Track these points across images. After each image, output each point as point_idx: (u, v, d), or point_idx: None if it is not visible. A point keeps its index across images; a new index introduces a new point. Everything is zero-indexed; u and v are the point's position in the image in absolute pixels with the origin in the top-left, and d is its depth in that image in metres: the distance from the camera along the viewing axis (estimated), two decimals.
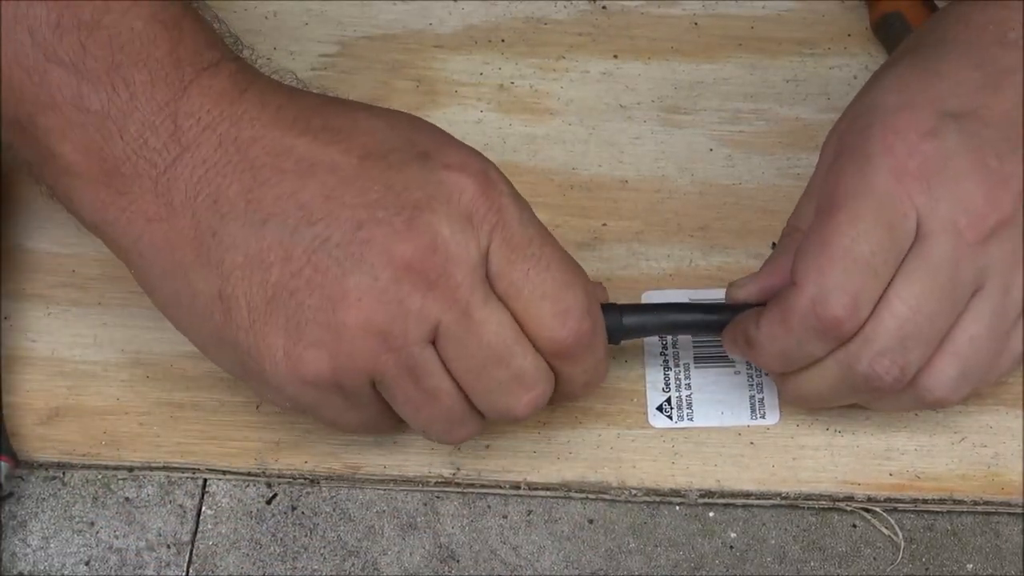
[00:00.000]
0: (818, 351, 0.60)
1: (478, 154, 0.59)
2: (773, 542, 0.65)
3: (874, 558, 0.65)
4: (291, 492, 0.66)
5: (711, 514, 0.66)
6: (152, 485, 0.67)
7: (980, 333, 0.60)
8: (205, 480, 0.67)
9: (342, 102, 0.61)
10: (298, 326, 0.57)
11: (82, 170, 0.58)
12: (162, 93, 0.57)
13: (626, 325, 0.63)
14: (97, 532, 0.66)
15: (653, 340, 0.69)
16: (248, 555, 0.65)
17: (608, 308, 0.63)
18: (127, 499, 0.66)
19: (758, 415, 0.67)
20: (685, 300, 0.68)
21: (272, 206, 0.57)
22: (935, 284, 0.59)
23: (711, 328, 0.64)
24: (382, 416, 0.61)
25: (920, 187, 0.58)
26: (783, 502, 0.66)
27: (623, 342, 0.64)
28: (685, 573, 0.65)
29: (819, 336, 0.60)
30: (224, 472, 0.67)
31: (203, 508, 0.66)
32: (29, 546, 0.65)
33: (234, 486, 0.67)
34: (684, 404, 0.67)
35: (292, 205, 0.57)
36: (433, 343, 0.58)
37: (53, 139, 0.58)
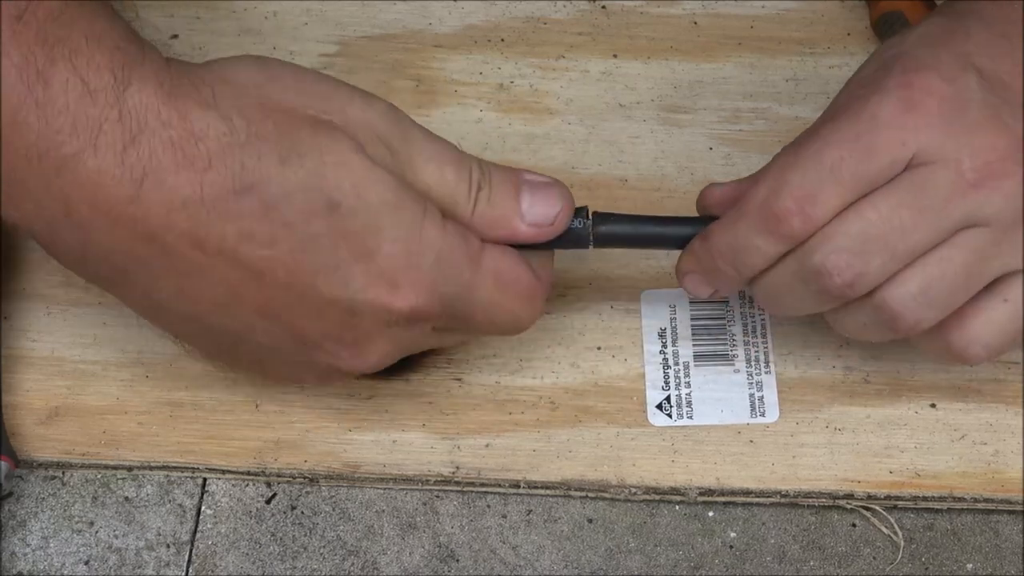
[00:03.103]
0: (766, 248, 0.60)
1: (404, 257, 0.58)
2: (773, 542, 0.65)
3: (874, 557, 0.65)
4: (290, 491, 0.66)
5: (711, 514, 0.66)
6: (151, 484, 0.67)
7: (954, 259, 0.59)
8: (204, 479, 0.67)
9: (248, 182, 0.56)
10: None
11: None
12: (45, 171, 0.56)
13: (598, 232, 0.62)
14: (97, 532, 0.66)
15: (653, 340, 0.69)
16: (248, 554, 0.65)
17: (579, 210, 0.62)
18: (127, 499, 0.66)
19: (758, 413, 0.67)
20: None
21: (214, 316, 0.58)
22: (917, 204, 0.58)
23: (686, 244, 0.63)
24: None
25: (930, 123, 0.58)
26: (783, 500, 0.66)
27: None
28: (685, 573, 0.65)
29: (766, 229, 0.59)
30: (223, 471, 0.67)
31: (202, 507, 0.66)
32: (29, 546, 0.65)
33: (233, 485, 0.67)
34: (684, 402, 0.67)
35: (233, 322, 0.59)
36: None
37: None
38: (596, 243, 0.62)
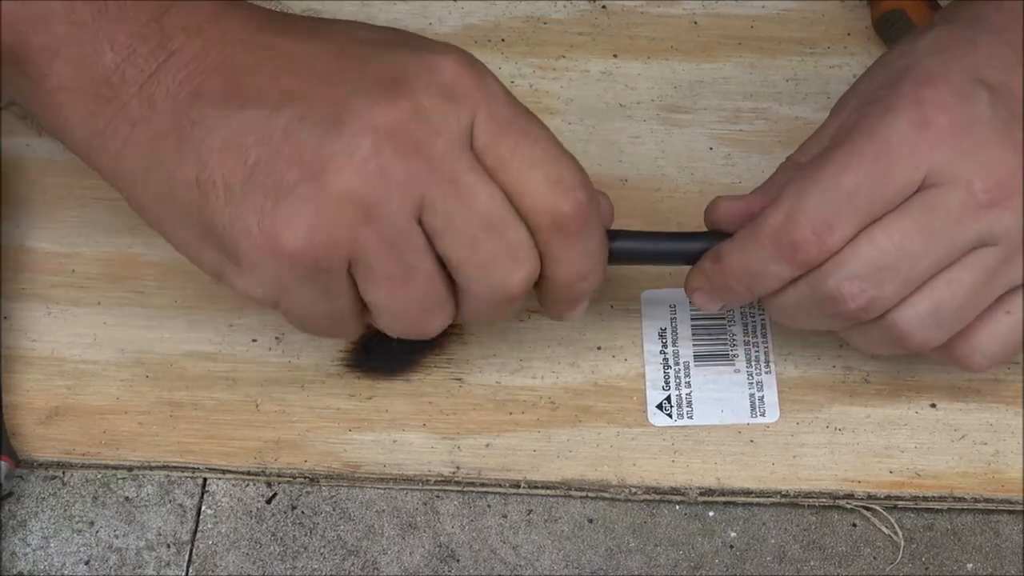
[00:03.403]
0: (781, 272, 0.60)
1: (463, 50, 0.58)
2: (773, 542, 0.65)
3: (874, 557, 0.65)
4: (291, 491, 0.66)
5: (711, 513, 0.66)
6: (152, 484, 0.67)
7: (963, 280, 0.59)
8: (205, 479, 0.67)
9: (333, 20, 0.60)
10: (275, 200, 0.55)
11: (73, 83, 0.58)
12: (149, 7, 0.58)
13: (614, 249, 0.62)
14: (97, 531, 0.66)
15: (653, 340, 0.69)
16: (248, 554, 0.65)
17: None
18: (127, 498, 0.66)
19: (758, 413, 0.67)
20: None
21: (250, 93, 0.57)
22: (929, 228, 0.58)
23: (697, 260, 0.63)
24: (351, 312, 0.59)
25: (941, 142, 0.58)
26: (783, 500, 0.66)
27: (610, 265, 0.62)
28: (685, 573, 0.65)
29: (782, 255, 0.59)
30: (224, 471, 0.67)
31: (203, 507, 0.66)
32: (29, 545, 0.65)
33: (234, 485, 0.67)
34: (684, 402, 0.67)
35: (270, 91, 0.57)
36: (419, 221, 0.57)
37: (46, 57, 0.58)
38: (608, 261, 0.62)
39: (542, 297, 0.60)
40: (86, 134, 0.59)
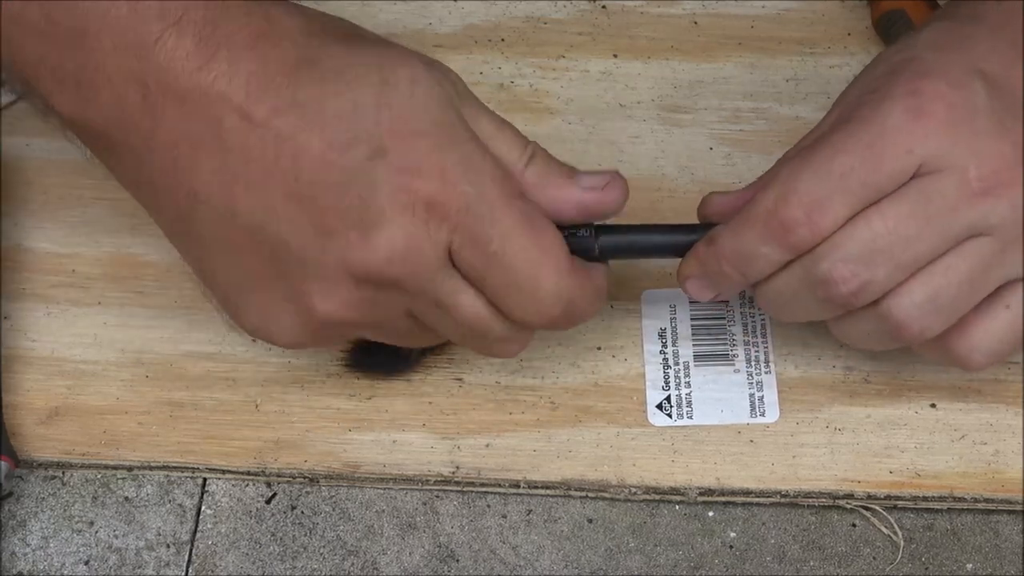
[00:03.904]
0: (773, 255, 0.60)
1: (438, 143, 0.58)
2: (773, 542, 0.65)
3: (874, 557, 0.65)
4: (290, 491, 0.66)
5: (711, 513, 0.66)
6: (151, 484, 0.67)
7: (959, 268, 0.59)
8: (204, 479, 0.67)
9: (314, 65, 0.59)
10: (267, 309, 0.60)
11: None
12: (127, 57, 0.58)
13: (601, 247, 0.62)
14: (97, 532, 0.66)
15: (653, 340, 0.69)
16: (248, 554, 0.65)
17: (579, 230, 0.62)
18: (127, 499, 0.66)
19: (758, 413, 0.67)
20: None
21: (243, 199, 0.58)
22: (924, 213, 0.58)
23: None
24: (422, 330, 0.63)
25: (937, 131, 0.58)
26: (783, 500, 0.66)
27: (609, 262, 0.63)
28: (685, 573, 0.65)
29: (774, 236, 0.59)
30: (223, 471, 0.67)
31: (202, 507, 0.66)
32: (29, 546, 0.65)
33: (233, 485, 0.67)
34: (684, 402, 0.67)
35: (261, 204, 0.58)
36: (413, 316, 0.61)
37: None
38: (601, 255, 0.62)
39: None
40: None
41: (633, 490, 0.66)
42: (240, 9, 0.58)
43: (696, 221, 0.64)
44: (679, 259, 0.64)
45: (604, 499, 0.66)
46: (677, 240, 0.63)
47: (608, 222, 0.62)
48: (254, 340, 0.67)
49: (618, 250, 0.63)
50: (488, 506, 0.66)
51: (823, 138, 0.60)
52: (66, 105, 0.59)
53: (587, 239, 0.62)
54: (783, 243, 0.59)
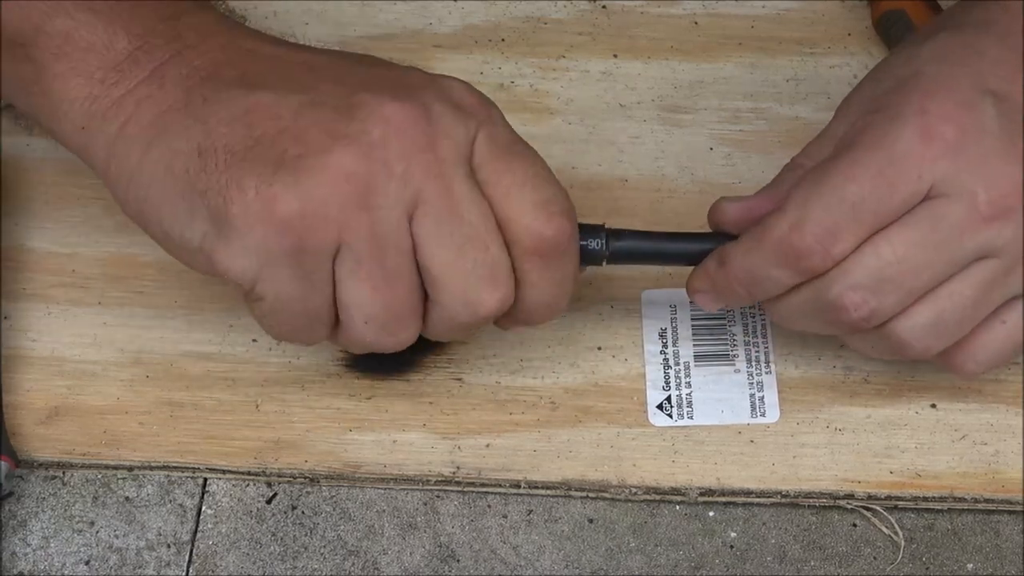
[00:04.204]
0: (784, 279, 0.60)
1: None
2: (773, 542, 0.65)
3: (874, 557, 0.65)
4: (291, 491, 0.66)
5: (711, 513, 0.66)
6: (152, 485, 0.67)
7: (964, 292, 0.59)
8: (205, 479, 0.67)
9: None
10: (276, 168, 0.56)
11: (80, 67, 0.59)
12: (162, 9, 0.60)
13: (613, 249, 0.62)
14: (97, 532, 0.66)
15: (653, 340, 0.69)
16: (248, 555, 0.65)
17: (595, 229, 0.62)
18: (127, 499, 0.66)
19: (758, 413, 0.67)
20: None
21: (266, 80, 0.58)
22: (931, 240, 0.58)
23: (699, 261, 0.63)
24: (325, 311, 0.59)
25: (946, 153, 0.58)
26: (783, 500, 0.66)
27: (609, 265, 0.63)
28: (685, 573, 0.65)
29: (786, 262, 0.59)
30: (224, 471, 0.67)
31: (203, 507, 0.66)
32: (29, 546, 0.65)
33: (234, 485, 0.67)
34: (684, 402, 0.67)
35: (287, 80, 0.58)
36: (409, 222, 0.57)
37: (57, 40, 0.59)
38: (610, 260, 0.63)
39: (511, 316, 0.61)
40: (83, 118, 0.60)
41: (634, 490, 0.66)
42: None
43: (699, 221, 0.64)
44: (688, 266, 0.64)
45: (605, 499, 0.66)
46: (689, 249, 0.63)
47: (617, 226, 0.63)
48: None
49: (628, 255, 0.63)
50: (489, 506, 0.66)
51: (834, 162, 0.60)
52: (82, 47, 0.60)
53: (599, 249, 0.62)
54: (795, 269, 0.60)
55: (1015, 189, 0.58)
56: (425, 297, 0.59)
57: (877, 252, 0.59)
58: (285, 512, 0.66)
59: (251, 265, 0.57)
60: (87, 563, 0.65)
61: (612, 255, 0.62)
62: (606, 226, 0.63)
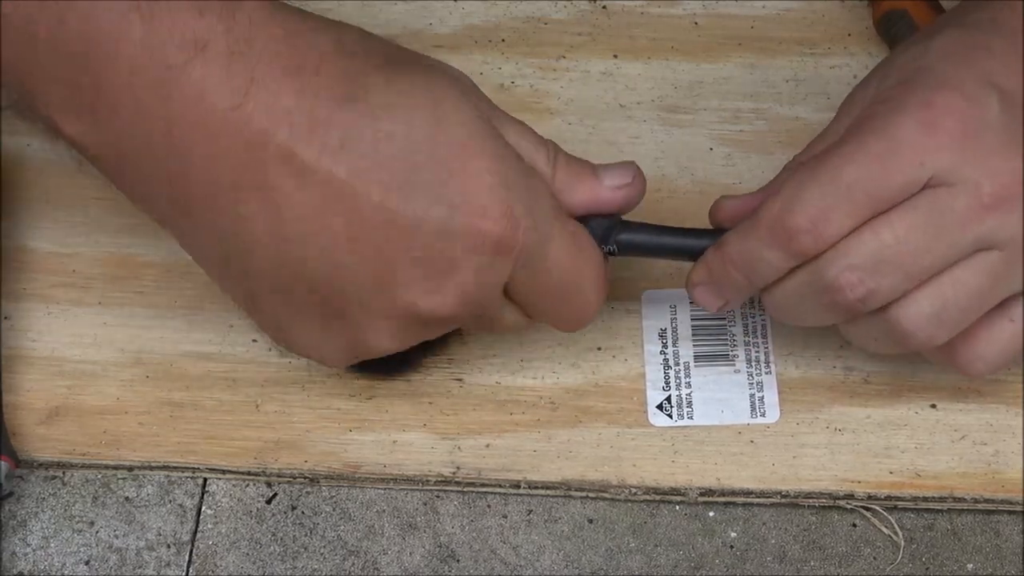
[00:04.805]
0: (777, 261, 0.60)
1: (499, 178, 0.58)
2: (773, 542, 0.65)
3: (874, 558, 0.65)
4: (291, 491, 0.66)
5: (711, 513, 0.66)
6: (152, 485, 0.67)
7: (968, 282, 0.59)
8: (205, 480, 0.67)
9: (362, 91, 0.57)
10: (322, 335, 0.61)
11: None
12: (146, 87, 0.55)
13: (621, 240, 0.63)
14: (97, 532, 0.66)
15: (653, 340, 0.69)
16: (248, 555, 0.65)
17: (603, 220, 0.62)
18: (127, 499, 0.66)
19: (758, 413, 0.67)
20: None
21: (295, 248, 0.57)
22: (932, 224, 0.58)
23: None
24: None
25: (950, 145, 0.58)
26: (783, 500, 0.66)
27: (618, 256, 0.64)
28: (685, 573, 0.65)
29: (777, 243, 0.59)
30: (224, 472, 0.67)
31: (203, 508, 0.66)
32: (29, 546, 0.65)
33: (234, 485, 0.67)
34: (684, 403, 0.67)
35: (315, 254, 0.57)
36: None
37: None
38: (616, 251, 0.63)
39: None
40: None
41: (633, 490, 0.66)
42: (267, 31, 0.55)
43: (699, 221, 0.64)
44: (685, 262, 0.64)
45: (604, 499, 0.66)
46: (693, 243, 0.63)
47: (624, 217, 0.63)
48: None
49: (634, 247, 0.63)
50: (488, 506, 0.66)
51: (833, 147, 0.60)
52: (76, 130, 0.56)
53: (606, 232, 0.63)
54: (787, 249, 0.59)
55: (1016, 181, 0.58)
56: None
57: (876, 234, 0.58)
58: (285, 512, 0.66)
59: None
60: (87, 563, 0.65)
61: (619, 246, 0.63)
62: (618, 217, 0.63)
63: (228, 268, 0.59)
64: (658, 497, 0.66)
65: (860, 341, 0.63)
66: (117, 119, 0.55)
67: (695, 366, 0.68)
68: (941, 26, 0.63)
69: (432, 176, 0.57)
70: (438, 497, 0.66)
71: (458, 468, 0.66)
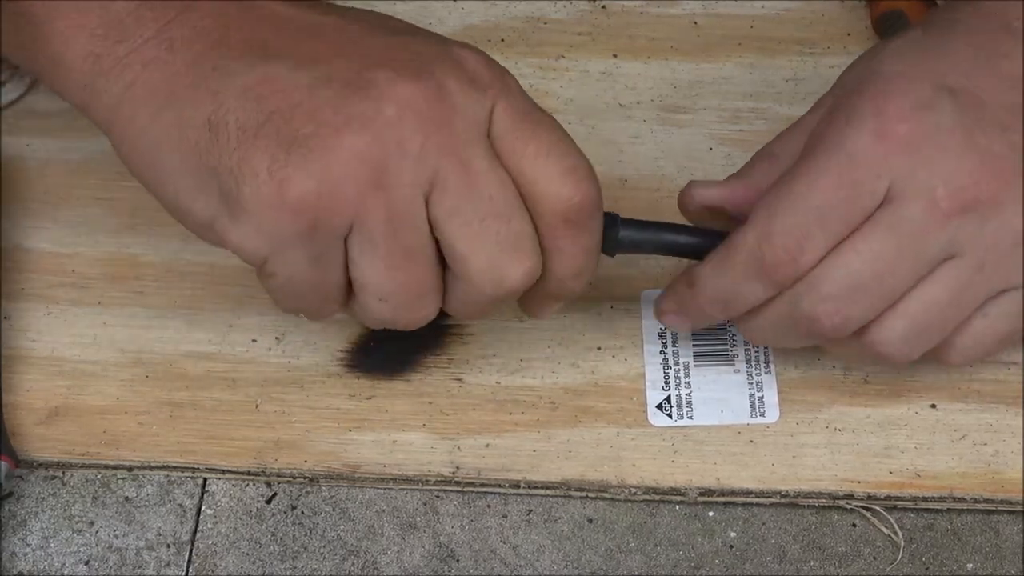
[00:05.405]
0: (755, 293, 0.60)
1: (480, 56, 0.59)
2: (773, 541, 0.65)
3: (874, 557, 0.65)
4: (291, 491, 0.66)
5: (711, 513, 0.66)
6: (152, 485, 0.67)
7: (938, 297, 0.59)
8: (205, 479, 0.67)
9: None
10: (288, 148, 0.55)
11: (81, 22, 0.58)
12: None
13: (622, 238, 0.63)
14: (97, 531, 0.66)
15: (653, 340, 0.69)
16: (248, 554, 0.65)
17: (606, 216, 0.62)
18: (127, 499, 0.66)
19: (758, 413, 0.67)
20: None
21: (277, 49, 0.57)
22: (896, 243, 0.58)
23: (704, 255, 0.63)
24: (337, 288, 0.59)
25: (903, 152, 0.58)
26: (783, 500, 0.66)
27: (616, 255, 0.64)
28: (685, 573, 0.65)
29: (758, 275, 0.60)
30: (224, 471, 0.67)
31: (203, 507, 0.66)
32: (29, 545, 0.65)
33: (234, 485, 0.67)
34: (684, 402, 0.67)
35: (297, 49, 0.57)
36: (426, 202, 0.56)
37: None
38: (618, 246, 0.63)
39: (529, 291, 0.60)
40: (87, 76, 0.59)
41: (633, 490, 0.66)
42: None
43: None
44: (686, 259, 0.64)
45: (604, 499, 0.66)
46: (695, 243, 0.63)
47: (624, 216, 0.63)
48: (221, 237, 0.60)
49: (634, 245, 0.63)
50: (488, 506, 0.66)
51: (796, 169, 0.60)
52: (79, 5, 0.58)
53: (610, 228, 0.62)
54: (768, 281, 0.60)
55: (973, 183, 0.58)
56: (445, 274, 0.59)
57: (844, 262, 0.59)
58: (285, 512, 0.66)
59: (263, 245, 0.57)
60: (87, 563, 0.65)
61: (621, 242, 0.63)
62: (617, 215, 0.63)
63: (195, 93, 0.57)
64: (658, 497, 0.66)
65: (843, 358, 0.64)
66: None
67: (695, 366, 0.68)
68: (907, 32, 0.63)
69: (417, 28, 0.59)
70: (438, 497, 0.66)
71: (458, 468, 0.66)
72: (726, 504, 0.66)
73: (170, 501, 0.66)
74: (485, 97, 0.57)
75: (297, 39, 0.57)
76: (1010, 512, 0.66)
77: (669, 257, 0.69)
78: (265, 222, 0.56)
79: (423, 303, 0.59)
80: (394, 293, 0.58)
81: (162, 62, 0.57)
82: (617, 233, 0.63)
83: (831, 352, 0.64)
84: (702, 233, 0.64)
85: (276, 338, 0.69)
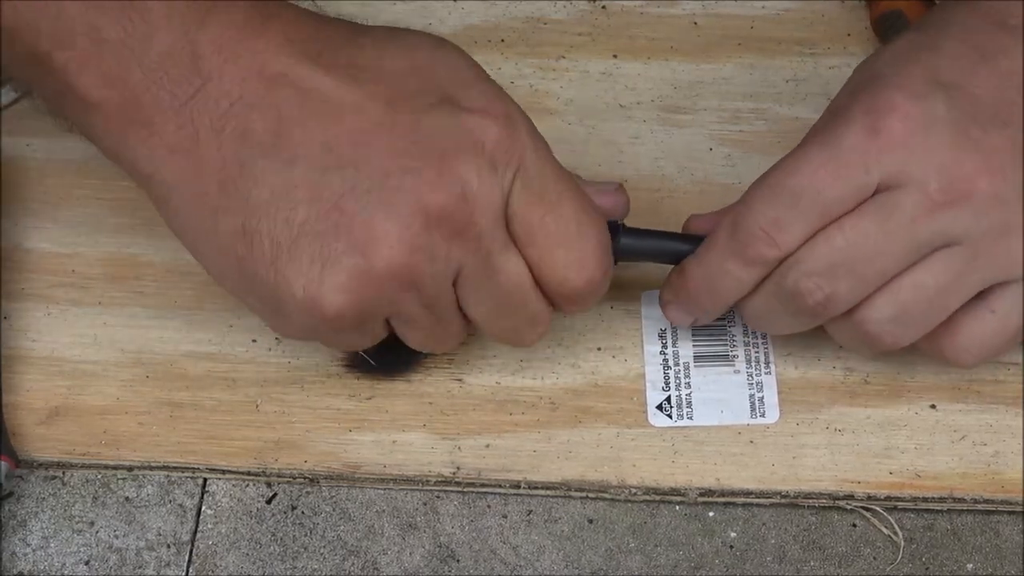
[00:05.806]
0: (738, 273, 0.61)
1: (499, 92, 0.60)
2: (773, 542, 0.65)
3: (874, 558, 0.65)
4: (291, 492, 0.67)
5: (711, 514, 0.66)
6: (152, 485, 0.67)
7: (928, 283, 0.60)
8: (205, 480, 0.67)
9: (367, 33, 0.61)
10: (322, 267, 0.57)
11: (101, 102, 0.58)
12: (180, 22, 0.57)
13: (622, 247, 0.63)
14: (97, 532, 0.66)
15: (653, 340, 0.69)
16: (248, 555, 0.65)
17: (608, 224, 0.63)
18: (127, 499, 0.66)
19: (758, 414, 0.67)
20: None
21: (300, 146, 0.57)
22: (884, 227, 0.59)
23: None
24: (380, 337, 0.63)
25: (894, 146, 0.59)
26: (783, 500, 0.66)
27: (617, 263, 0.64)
28: (685, 573, 0.65)
29: (734, 254, 0.61)
30: (224, 472, 0.67)
31: (203, 508, 0.66)
32: (29, 546, 0.65)
33: (234, 485, 0.67)
34: (684, 403, 0.67)
35: (320, 147, 0.57)
36: (453, 283, 0.60)
37: (71, 73, 0.57)
38: (619, 254, 0.63)
39: None
40: (118, 151, 0.59)
41: (633, 490, 0.66)
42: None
43: None
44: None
45: (604, 499, 0.66)
46: (692, 249, 0.64)
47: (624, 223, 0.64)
48: (289, 332, 0.63)
49: (635, 252, 0.64)
50: (488, 506, 0.66)
51: (781, 160, 0.61)
52: (94, 81, 0.57)
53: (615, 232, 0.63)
54: (745, 260, 0.61)
55: (966, 176, 0.58)
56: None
57: (828, 240, 0.59)
58: (285, 512, 0.66)
59: (309, 336, 0.62)
60: (87, 563, 0.65)
61: (622, 250, 0.63)
62: (618, 223, 0.64)
63: (227, 196, 0.58)
64: (658, 497, 0.66)
65: (844, 343, 0.64)
66: (148, 55, 0.57)
67: (695, 366, 0.68)
68: (904, 33, 0.63)
69: (437, 86, 0.59)
70: (438, 497, 0.66)
71: (458, 468, 0.66)
72: (726, 504, 0.66)
73: (170, 501, 0.66)
74: (504, 180, 0.59)
75: (318, 127, 0.58)
76: (1010, 512, 0.66)
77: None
78: (308, 327, 0.60)
79: (455, 342, 0.64)
80: (429, 345, 0.64)
81: (188, 153, 0.58)
82: (618, 241, 0.63)
83: (833, 336, 0.63)
84: (703, 242, 0.64)
85: (276, 338, 0.69)
